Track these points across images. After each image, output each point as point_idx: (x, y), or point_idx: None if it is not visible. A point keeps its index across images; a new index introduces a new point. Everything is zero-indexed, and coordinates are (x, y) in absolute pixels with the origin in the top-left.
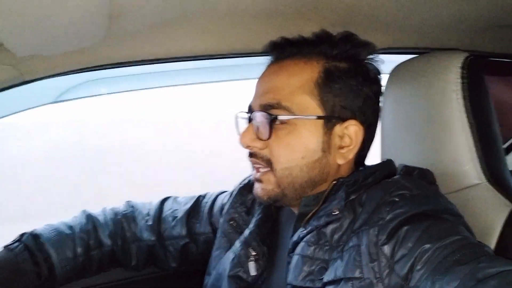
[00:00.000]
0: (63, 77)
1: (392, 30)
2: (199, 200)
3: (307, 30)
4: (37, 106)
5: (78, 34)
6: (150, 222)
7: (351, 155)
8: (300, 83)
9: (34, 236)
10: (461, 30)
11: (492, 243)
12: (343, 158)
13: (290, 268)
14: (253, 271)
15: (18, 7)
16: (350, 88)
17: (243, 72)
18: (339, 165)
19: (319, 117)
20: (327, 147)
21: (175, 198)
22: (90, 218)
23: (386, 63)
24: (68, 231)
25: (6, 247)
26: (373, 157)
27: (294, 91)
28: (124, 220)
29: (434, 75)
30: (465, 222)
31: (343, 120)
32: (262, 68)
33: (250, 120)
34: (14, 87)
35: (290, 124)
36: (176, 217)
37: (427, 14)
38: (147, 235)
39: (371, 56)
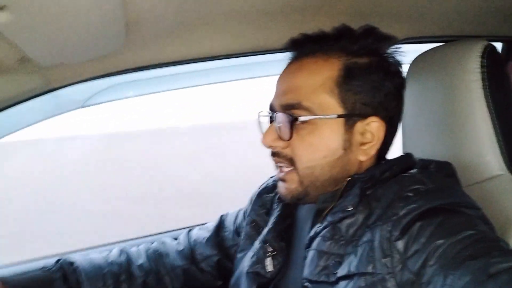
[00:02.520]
0: (89, 83)
1: (413, 20)
2: (222, 217)
3: (327, 25)
4: (66, 112)
5: (98, 43)
6: (181, 248)
7: (373, 151)
8: (320, 82)
9: (69, 262)
10: (486, 17)
11: None
12: (365, 154)
13: (306, 263)
14: (270, 267)
15: (38, 20)
16: (371, 84)
17: (264, 69)
18: (361, 161)
19: (339, 116)
20: (348, 145)
21: (201, 226)
22: (123, 251)
23: (409, 53)
24: (101, 262)
25: (42, 268)
26: (395, 150)
27: (315, 91)
28: (157, 253)
29: (454, 65)
30: (483, 215)
31: (365, 117)
32: (282, 65)
33: (271, 119)
34: (42, 94)
35: (312, 124)
36: (205, 237)
37: (449, 1)
38: (180, 261)
39: (392, 49)
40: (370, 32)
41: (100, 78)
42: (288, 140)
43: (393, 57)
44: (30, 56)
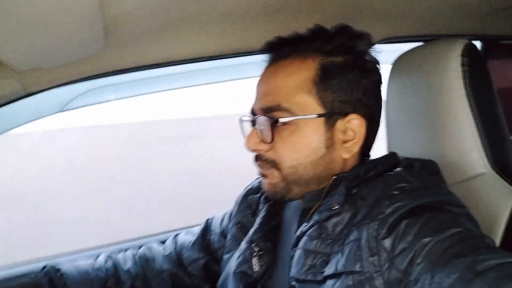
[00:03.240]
0: (70, 86)
1: (395, 19)
2: (208, 221)
3: (308, 25)
4: (44, 116)
5: (76, 46)
6: (167, 252)
7: (356, 148)
8: (297, 82)
9: (55, 268)
10: (465, 16)
11: (499, 231)
12: (348, 152)
13: (293, 262)
14: (257, 267)
15: (11, 23)
16: (348, 82)
17: (248, 70)
18: (345, 159)
19: (319, 115)
20: (330, 143)
21: (187, 230)
22: (110, 257)
23: (391, 53)
24: (87, 267)
25: (28, 274)
26: (380, 149)
27: (293, 92)
28: (144, 258)
29: (436, 64)
30: (468, 213)
31: (344, 115)
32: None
33: (253, 123)
34: (19, 99)
35: (292, 124)
36: (191, 241)
37: (429, 1)
38: (167, 265)
39: (368, 47)
40: (343, 31)
41: (79, 81)
42: (270, 142)
43: (368, 54)
44: (4, 61)
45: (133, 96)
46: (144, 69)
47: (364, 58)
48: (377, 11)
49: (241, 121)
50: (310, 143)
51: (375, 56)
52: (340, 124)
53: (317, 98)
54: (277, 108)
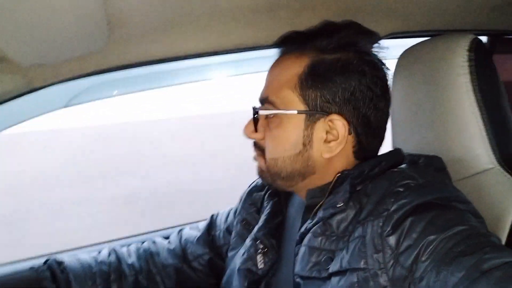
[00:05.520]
0: (73, 82)
1: (401, 14)
2: (213, 217)
3: (313, 21)
4: (49, 112)
5: (80, 42)
6: (172, 247)
7: (337, 149)
8: (286, 78)
9: (58, 262)
10: (471, 11)
11: (505, 227)
12: (329, 151)
13: (297, 259)
14: (261, 264)
15: (16, 18)
16: (333, 82)
17: (253, 65)
18: (328, 159)
19: (299, 112)
20: (308, 141)
21: (192, 225)
22: (113, 251)
23: (397, 48)
24: (90, 261)
25: (31, 268)
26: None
27: (281, 86)
28: (148, 252)
29: (442, 59)
30: (473, 209)
31: (326, 114)
32: (270, 61)
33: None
34: (24, 95)
35: (277, 118)
36: (196, 236)
37: None
38: (171, 260)
39: (372, 46)
40: (347, 27)
41: (83, 77)
42: (255, 132)
43: (370, 54)
44: (10, 57)
45: (136, 91)
46: (148, 65)
47: (364, 58)
48: (383, 6)
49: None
50: (289, 138)
51: (378, 56)
52: (321, 123)
53: (300, 95)
54: (265, 101)
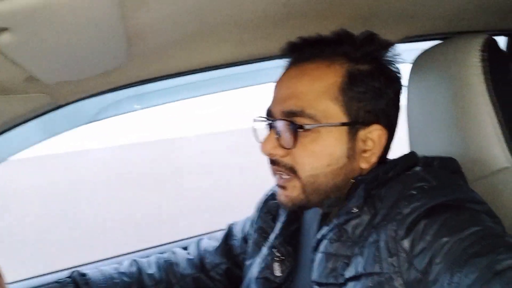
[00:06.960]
0: (97, 98)
1: (414, 18)
2: (230, 226)
3: (328, 29)
4: (73, 128)
5: (101, 58)
6: (191, 257)
7: (374, 158)
8: (323, 88)
9: (81, 274)
10: (486, 12)
11: None
12: (367, 162)
13: (314, 266)
14: (278, 272)
15: (40, 40)
16: (373, 91)
17: (268, 75)
18: (361, 169)
19: (343, 124)
20: (352, 153)
21: (210, 235)
22: (135, 262)
23: (411, 51)
24: (112, 272)
25: (56, 281)
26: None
27: (318, 97)
28: (168, 263)
29: (455, 61)
30: (489, 209)
31: (367, 125)
32: (278, 72)
33: (271, 126)
34: (50, 111)
35: (315, 132)
36: (214, 246)
37: None
38: (190, 270)
39: (392, 55)
40: (371, 39)
41: (106, 93)
42: (290, 148)
43: (392, 63)
44: (36, 75)
45: (157, 105)
46: (167, 78)
47: (388, 66)
48: (396, 10)
49: (254, 122)
50: (332, 152)
51: (398, 65)
52: (362, 133)
53: (342, 106)
54: (300, 113)
